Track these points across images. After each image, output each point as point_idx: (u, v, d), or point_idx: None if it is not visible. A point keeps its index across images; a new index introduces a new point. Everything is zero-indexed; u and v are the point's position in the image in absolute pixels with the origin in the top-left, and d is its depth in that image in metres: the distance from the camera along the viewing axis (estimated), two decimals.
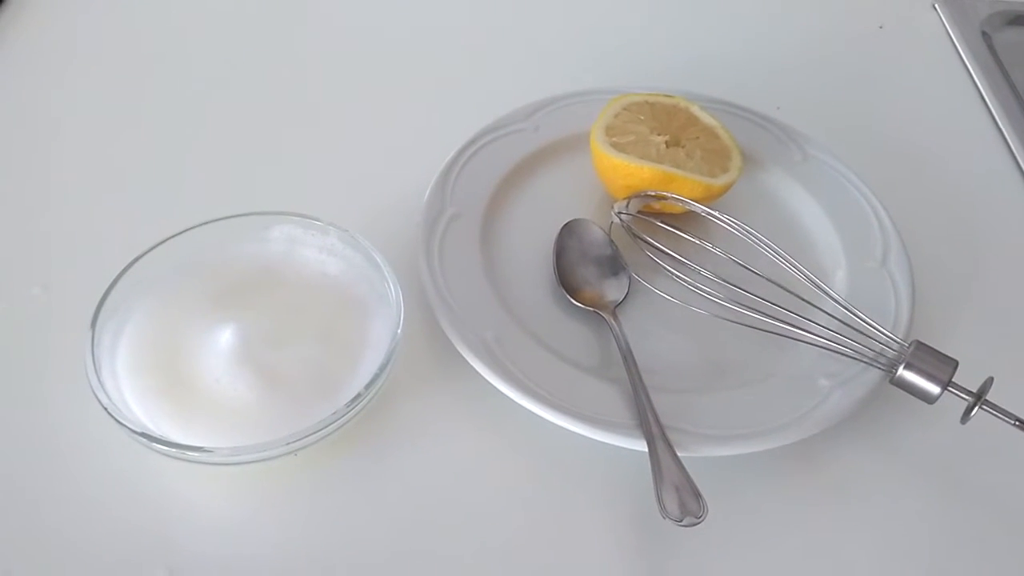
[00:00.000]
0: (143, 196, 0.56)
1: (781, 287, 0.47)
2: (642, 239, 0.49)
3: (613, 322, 0.48)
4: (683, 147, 0.53)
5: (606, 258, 0.52)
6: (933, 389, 0.43)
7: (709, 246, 0.48)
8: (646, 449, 0.42)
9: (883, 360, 0.45)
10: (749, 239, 0.49)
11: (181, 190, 0.56)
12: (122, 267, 0.45)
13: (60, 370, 0.45)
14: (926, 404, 0.44)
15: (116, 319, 0.44)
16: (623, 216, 0.51)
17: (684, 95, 0.57)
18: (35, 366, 0.47)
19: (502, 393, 0.44)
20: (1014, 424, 0.42)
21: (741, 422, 0.44)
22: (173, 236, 0.46)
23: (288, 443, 0.40)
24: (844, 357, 0.45)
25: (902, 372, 0.44)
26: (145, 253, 0.45)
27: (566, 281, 0.51)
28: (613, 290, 0.51)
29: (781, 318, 0.45)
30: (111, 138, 0.60)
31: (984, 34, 0.74)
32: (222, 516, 0.42)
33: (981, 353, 0.47)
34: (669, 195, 0.51)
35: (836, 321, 0.47)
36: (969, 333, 0.51)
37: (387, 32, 0.70)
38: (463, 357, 0.46)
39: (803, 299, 0.47)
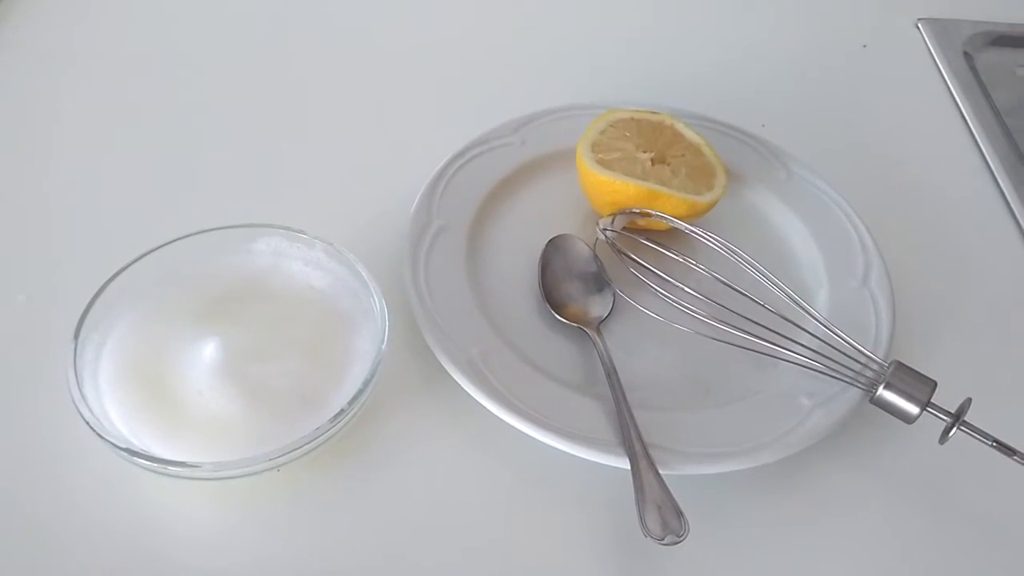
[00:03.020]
0: (129, 207, 0.56)
1: (763, 306, 0.47)
2: (626, 256, 0.49)
3: (597, 338, 0.49)
4: (668, 164, 0.54)
5: (591, 274, 0.52)
6: (912, 409, 0.44)
7: (693, 263, 0.49)
8: (628, 467, 0.43)
9: (863, 379, 0.46)
10: (733, 257, 0.49)
11: (167, 201, 0.56)
12: (106, 278, 0.44)
13: (43, 381, 0.45)
14: (905, 424, 0.44)
15: (99, 331, 0.44)
16: (608, 233, 0.51)
17: (670, 112, 0.58)
18: (18, 376, 0.46)
19: (486, 409, 0.45)
20: (991, 445, 0.43)
21: (723, 440, 0.45)
22: (158, 247, 0.46)
23: (271, 459, 0.40)
24: (825, 376, 0.46)
25: (882, 392, 0.44)
26: (129, 264, 0.45)
27: (551, 297, 0.51)
28: (597, 306, 0.51)
29: (763, 336, 0.46)
30: (98, 148, 0.59)
31: (966, 54, 0.75)
32: (204, 529, 0.42)
33: (960, 374, 0.48)
34: (654, 212, 0.52)
35: (817, 340, 0.47)
36: (948, 354, 0.52)
37: (375, 46, 0.70)
38: (448, 373, 0.46)
39: (785, 318, 0.47)
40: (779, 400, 0.47)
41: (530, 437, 0.44)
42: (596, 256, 0.53)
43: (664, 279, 0.48)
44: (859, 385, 0.46)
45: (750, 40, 0.75)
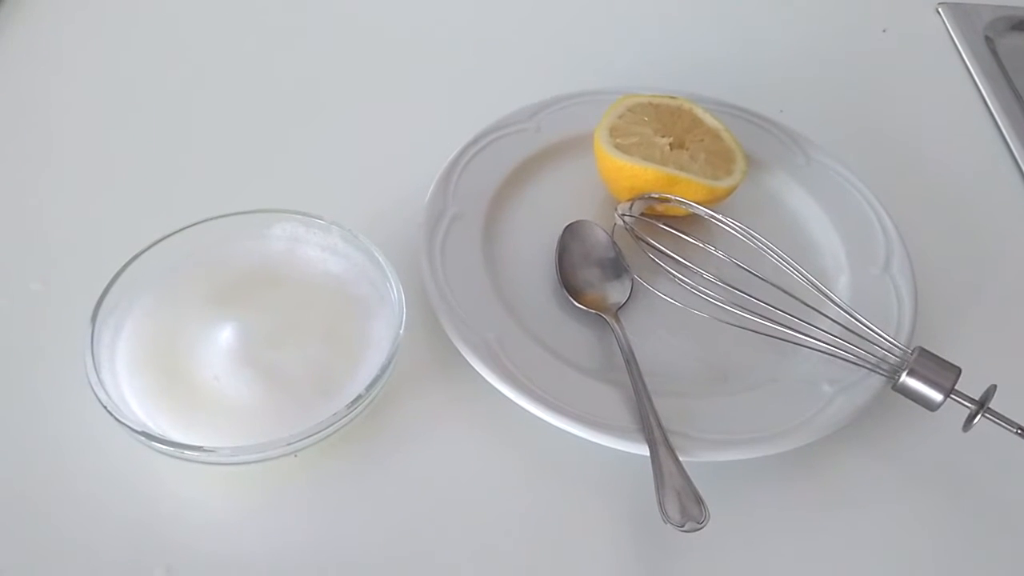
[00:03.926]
0: (145, 192, 0.55)
1: (784, 291, 0.47)
2: (645, 241, 0.49)
3: (615, 325, 0.48)
4: (687, 149, 0.53)
5: (609, 260, 0.52)
6: (936, 396, 0.43)
7: (712, 249, 0.48)
8: (648, 453, 0.42)
9: (885, 366, 0.45)
10: (752, 242, 0.49)
11: (183, 186, 0.56)
12: (122, 263, 0.44)
13: (59, 366, 0.45)
14: (928, 411, 0.44)
15: (116, 316, 0.44)
16: (626, 218, 0.51)
17: (688, 97, 0.57)
18: (34, 362, 0.46)
19: (503, 395, 0.44)
20: (1016, 432, 0.42)
21: (743, 427, 0.44)
22: (174, 233, 0.46)
23: (288, 443, 0.40)
24: (847, 363, 0.45)
25: (905, 379, 0.43)
26: (146, 249, 0.45)
27: (568, 283, 0.50)
28: (615, 292, 0.51)
29: (784, 323, 0.45)
30: (112, 133, 0.59)
31: (987, 39, 0.74)
32: (221, 515, 0.42)
33: (984, 360, 0.47)
34: (672, 197, 0.51)
35: (839, 326, 0.47)
36: (972, 340, 0.51)
37: (390, 31, 0.70)
38: (464, 358, 0.45)
39: (806, 304, 0.47)
40: (800, 387, 0.46)
41: (548, 423, 0.43)
42: (614, 242, 0.53)
43: (683, 265, 0.47)
44: (881, 372, 0.45)
45: (769, 24, 0.75)
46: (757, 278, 0.47)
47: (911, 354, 0.44)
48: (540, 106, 0.60)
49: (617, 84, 0.60)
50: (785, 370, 0.48)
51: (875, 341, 0.46)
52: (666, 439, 0.42)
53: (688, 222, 0.53)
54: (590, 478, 0.44)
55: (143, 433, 0.39)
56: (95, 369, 0.41)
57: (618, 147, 0.52)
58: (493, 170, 0.56)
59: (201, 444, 0.39)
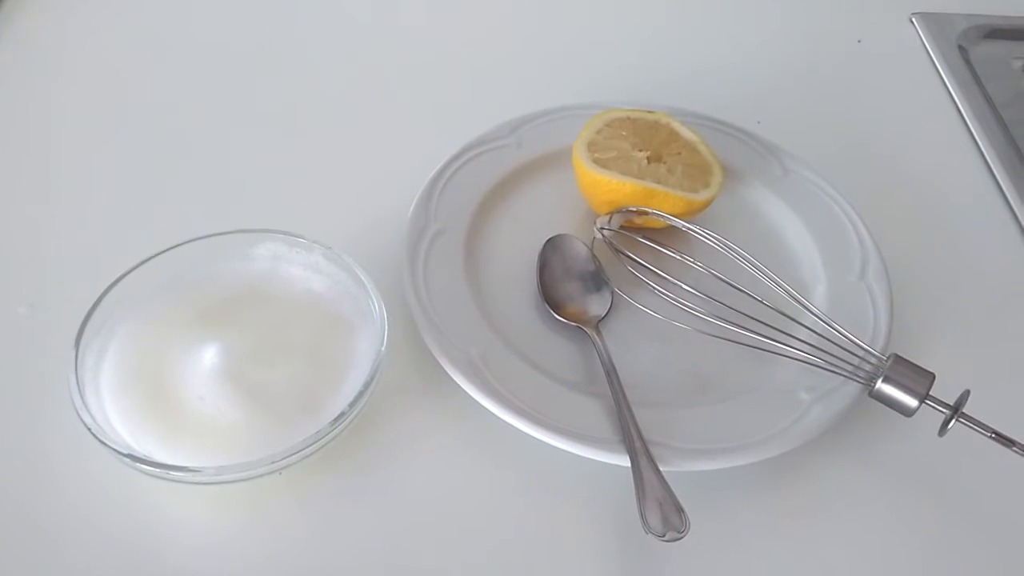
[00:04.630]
0: (128, 214, 0.56)
1: (762, 301, 0.47)
2: (624, 254, 0.49)
3: (596, 337, 0.49)
4: (664, 163, 0.54)
5: (589, 273, 0.53)
6: (911, 402, 0.44)
7: (691, 261, 0.49)
8: (629, 464, 0.43)
9: (862, 373, 0.46)
10: (730, 254, 0.49)
11: (166, 208, 0.56)
12: (107, 285, 0.45)
13: (44, 389, 0.45)
14: (904, 417, 0.44)
15: (100, 338, 0.44)
16: (605, 231, 0.51)
17: (665, 110, 0.58)
18: (19, 385, 0.47)
19: (486, 409, 0.45)
20: (990, 436, 0.43)
21: (723, 436, 0.45)
22: (158, 254, 0.47)
23: (273, 462, 0.40)
24: (824, 371, 0.46)
25: (880, 385, 0.44)
26: (130, 271, 0.46)
27: (549, 296, 0.51)
28: (596, 305, 0.51)
29: (762, 332, 0.46)
30: (96, 156, 0.60)
31: (960, 48, 0.75)
32: (207, 533, 0.42)
33: (958, 366, 0.48)
34: (651, 211, 0.52)
35: (816, 335, 0.47)
36: (946, 346, 0.52)
37: (370, 49, 0.70)
38: (448, 374, 0.46)
39: (783, 313, 0.47)
40: (778, 395, 0.47)
41: (530, 436, 0.44)
42: (594, 255, 0.53)
43: (662, 277, 0.48)
44: (858, 379, 0.46)
45: (744, 37, 0.76)
46: (735, 289, 0.48)
47: (886, 361, 0.45)
48: (520, 121, 0.60)
49: (596, 99, 0.61)
50: (763, 379, 0.48)
51: (851, 349, 0.46)
52: (647, 450, 0.43)
53: (667, 234, 0.54)
54: (573, 490, 0.45)
55: (128, 455, 0.39)
56: (79, 391, 0.41)
57: (596, 162, 0.53)
58: (474, 186, 0.56)
59: (186, 464, 0.39)
